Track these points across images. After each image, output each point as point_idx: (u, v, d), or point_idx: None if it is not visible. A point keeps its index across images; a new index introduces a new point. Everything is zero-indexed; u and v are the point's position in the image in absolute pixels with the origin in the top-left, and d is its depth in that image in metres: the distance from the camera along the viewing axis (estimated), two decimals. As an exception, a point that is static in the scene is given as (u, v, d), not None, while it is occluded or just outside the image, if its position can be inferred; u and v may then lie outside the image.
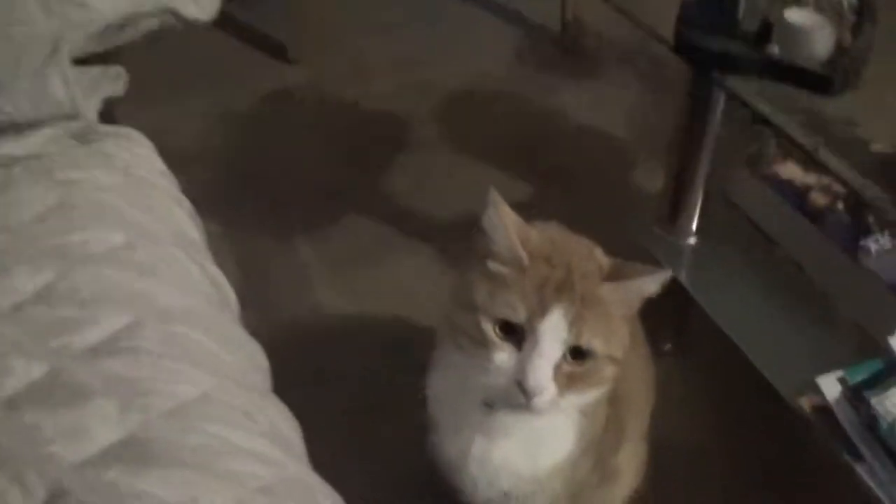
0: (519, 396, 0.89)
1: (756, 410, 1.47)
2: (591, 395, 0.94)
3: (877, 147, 1.46)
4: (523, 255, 0.90)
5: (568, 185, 1.95)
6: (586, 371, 0.90)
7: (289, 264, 1.76)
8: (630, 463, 1.20)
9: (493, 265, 0.92)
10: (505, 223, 0.90)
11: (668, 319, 1.55)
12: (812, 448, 1.32)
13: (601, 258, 0.95)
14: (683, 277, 1.47)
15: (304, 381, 1.31)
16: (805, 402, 1.25)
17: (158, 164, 1.13)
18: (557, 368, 0.89)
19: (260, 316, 1.28)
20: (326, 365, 1.54)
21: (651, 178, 1.77)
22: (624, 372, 0.96)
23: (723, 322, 1.39)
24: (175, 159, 1.17)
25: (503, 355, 0.90)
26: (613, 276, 0.92)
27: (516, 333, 0.89)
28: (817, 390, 1.25)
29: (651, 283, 0.92)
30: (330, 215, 1.85)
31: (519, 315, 0.88)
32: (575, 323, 0.88)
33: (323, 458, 0.89)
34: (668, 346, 1.58)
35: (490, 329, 0.90)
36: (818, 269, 1.46)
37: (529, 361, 0.88)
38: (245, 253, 1.73)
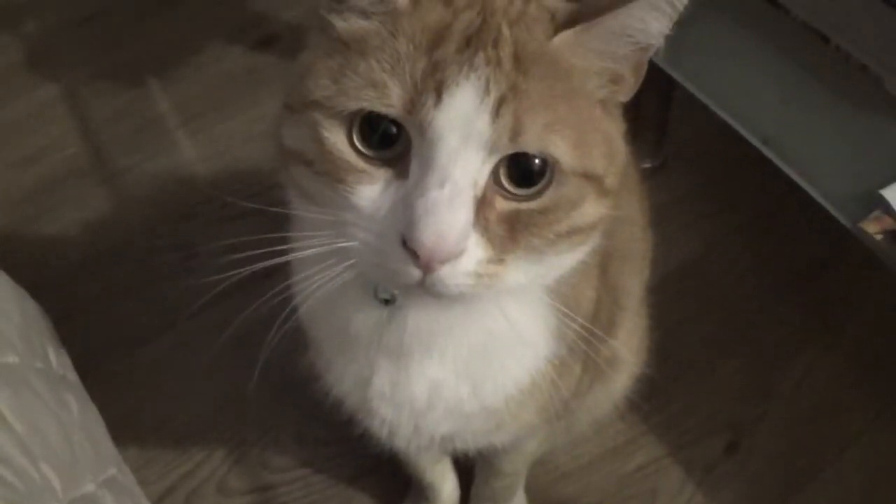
0: (409, 270, 0.47)
1: (774, 237, 1.19)
2: (563, 259, 0.52)
3: None
4: None
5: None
6: (544, 207, 0.48)
7: (142, 119, 1.40)
8: (630, 342, 0.81)
9: (343, 22, 0.48)
10: None
11: (642, 127, 1.18)
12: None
13: (552, 0, 0.51)
14: (661, 58, 1.03)
15: (172, 262, 1.16)
16: (871, 227, 0.85)
17: None
18: (483, 204, 0.47)
19: (113, 186, 1.20)
20: (195, 239, 1.22)
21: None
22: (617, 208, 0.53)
23: (734, 118, 0.97)
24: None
25: (373, 189, 0.47)
26: (578, 18, 0.48)
27: (393, 145, 0.47)
28: (886, 206, 0.85)
29: (652, 9, 0.47)
30: (189, 48, 1.46)
31: (390, 101, 0.46)
32: (506, 105, 0.45)
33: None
34: (647, 164, 1.21)
35: (342, 139, 0.47)
36: (850, 34, 1.02)
37: (421, 193, 0.45)
38: (91, 114, 1.40)
